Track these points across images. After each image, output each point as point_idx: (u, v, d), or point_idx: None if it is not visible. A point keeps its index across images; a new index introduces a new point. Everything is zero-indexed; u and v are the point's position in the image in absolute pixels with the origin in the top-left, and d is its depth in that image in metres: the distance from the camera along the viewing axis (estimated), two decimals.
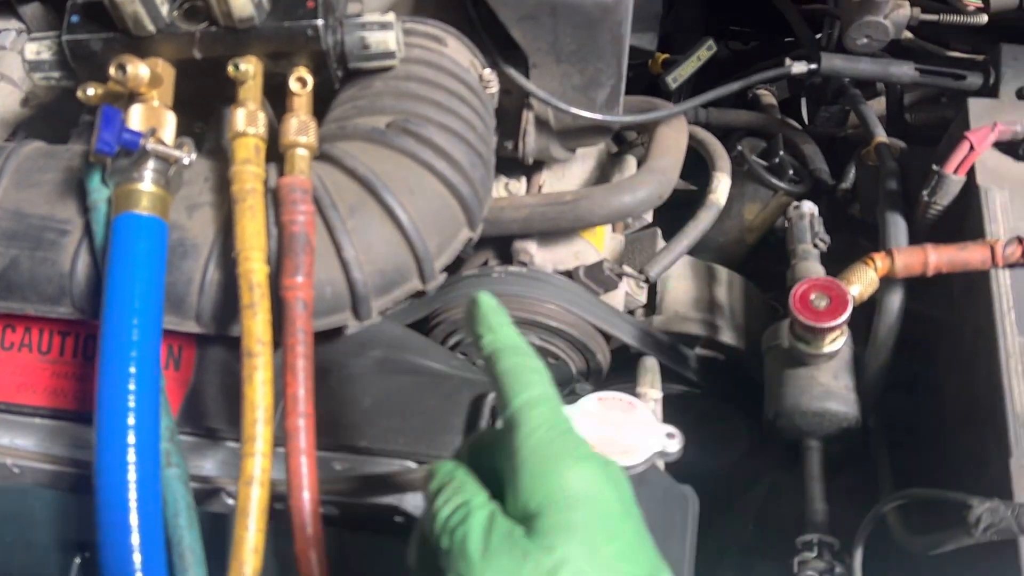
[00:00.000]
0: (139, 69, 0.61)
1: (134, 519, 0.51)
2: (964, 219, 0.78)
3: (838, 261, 0.80)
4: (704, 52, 1.01)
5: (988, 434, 0.68)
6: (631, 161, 0.97)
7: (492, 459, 0.45)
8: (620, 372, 0.87)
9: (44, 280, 0.63)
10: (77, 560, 0.59)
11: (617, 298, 0.88)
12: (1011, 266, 0.71)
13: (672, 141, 0.86)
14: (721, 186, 0.88)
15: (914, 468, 0.79)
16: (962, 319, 0.76)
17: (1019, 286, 0.71)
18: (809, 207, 0.85)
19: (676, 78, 1.00)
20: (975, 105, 0.83)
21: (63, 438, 0.65)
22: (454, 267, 0.88)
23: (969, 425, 0.72)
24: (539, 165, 0.90)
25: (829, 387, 0.75)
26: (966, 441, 0.73)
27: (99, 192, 0.61)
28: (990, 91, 0.89)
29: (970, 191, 0.78)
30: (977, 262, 0.71)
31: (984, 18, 0.98)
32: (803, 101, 1.23)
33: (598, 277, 0.83)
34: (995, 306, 0.70)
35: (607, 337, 0.85)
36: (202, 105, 0.70)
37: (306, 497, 0.54)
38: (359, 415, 0.66)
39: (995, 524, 0.61)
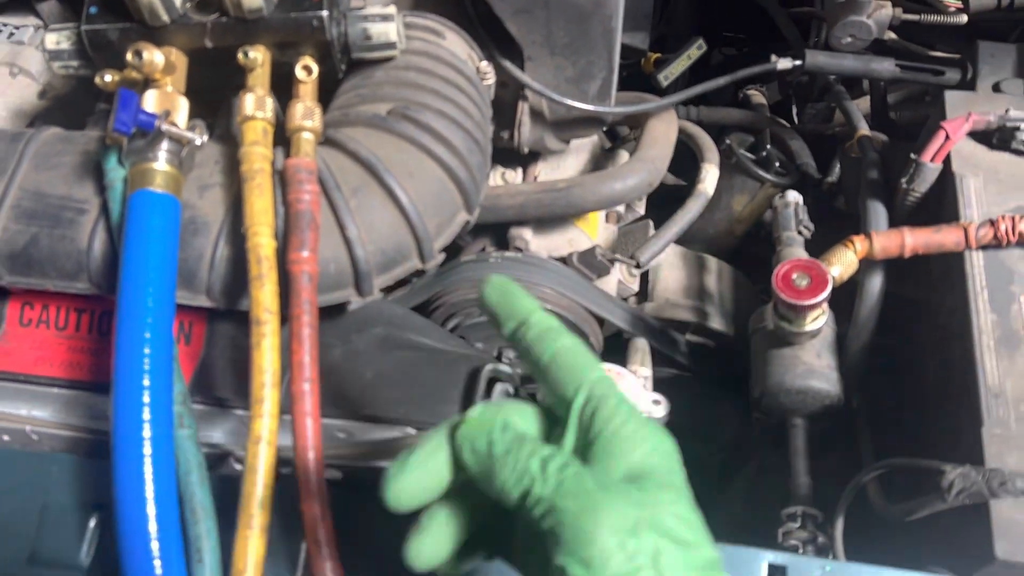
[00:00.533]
0: (154, 56, 0.64)
1: (149, 474, 0.55)
2: (941, 205, 0.81)
3: (823, 251, 0.84)
4: (694, 51, 1.04)
5: (962, 407, 0.71)
6: (624, 155, 1.00)
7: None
8: (613, 358, 0.90)
9: (63, 256, 0.66)
10: (93, 520, 0.61)
11: (610, 284, 0.91)
12: (984, 247, 0.74)
13: (662, 133, 0.90)
14: (709, 176, 0.92)
15: (896, 445, 0.81)
16: (939, 300, 0.79)
17: (992, 267, 0.74)
18: (794, 196, 0.89)
19: (667, 76, 1.03)
20: (951, 97, 0.86)
21: (78, 407, 0.69)
22: (453, 253, 0.91)
23: (945, 400, 0.75)
24: (535, 156, 0.94)
25: (812, 365, 0.79)
26: (943, 415, 0.76)
27: (115, 172, 0.65)
28: (968, 86, 0.93)
29: (946, 178, 0.81)
30: (951, 244, 0.74)
31: (964, 18, 1.02)
32: (792, 104, 1.27)
33: (591, 262, 0.86)
34: (969, 285, 0.74)
35: (600, 322, 0.89)
36: (211, 93, 0.74)
37: (311, 457, 0.57)
38: (362, 386, 0.69)
39: (967, 488, 0.64)
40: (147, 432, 0.55)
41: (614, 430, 0.44)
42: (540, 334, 0.48)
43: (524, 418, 0.48)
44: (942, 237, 0.75)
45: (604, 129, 1.07)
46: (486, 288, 0.50)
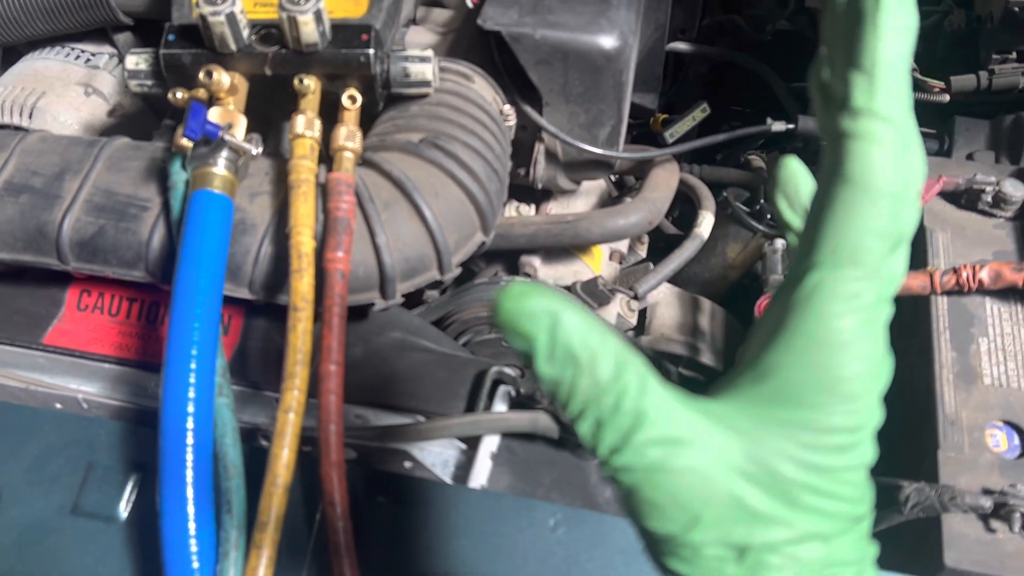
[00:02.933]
0: (222, 76, 0.74)
1: (191, 431, 0.62)
2: (913, 256, 0.89)
3: None
4: (699, 113, 1.14)
5: (924, 433, 0.77)
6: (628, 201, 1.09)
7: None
8: None
9: (125, 247, 0.75)
10: (132, 479, 0.68)
11: (610, 316, 0.99)
12: (947, 293, 0.82)
13: (663, 180, 0.99)
14: (705, 221, 1.00)
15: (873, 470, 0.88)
16: (908, 340, 0.87)
17: (954, 310, 0.82)
18: (782, 243, 0.97)
19: (673, 134, 1.13)
20: (928, 162, 0.95)
21: (125, 383, 0.76)
22: (467, 278, 1.00)
23: (912, 429, 0.82)
24: (548, 194, 1.03)
25: None
26: (910, 442, 0.82)
27: (179, 175, 0.74)
28: (945, 155, 1.02)
29: (919, 232, 0.89)
30: (918, 287, 0.82)
31: (946, 97, 1.12)
32: None
33: (593, 292, 0.94)
34: (933, 326, 0.81)
35: None
36: (264, 116, 0.83)
37: (332, 429, 0.64)
38: (379, 380, 0.76)
39: (921, 502, 0.70)
40: (192, 393, 0.63)
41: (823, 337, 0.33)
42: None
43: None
44: (910, 282, 0.83)
45: (613, 179, 1.17)
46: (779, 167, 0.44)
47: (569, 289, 0.96)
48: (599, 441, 0.33)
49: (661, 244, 1.15)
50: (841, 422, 0.34)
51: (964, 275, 0.80)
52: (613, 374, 0.33)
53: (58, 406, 0.76)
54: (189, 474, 0.61)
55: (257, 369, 0.77)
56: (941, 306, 0.82)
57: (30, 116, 0.92)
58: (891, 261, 0.34)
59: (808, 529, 0.34)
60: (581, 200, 1.06)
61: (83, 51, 0.99)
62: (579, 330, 0.33)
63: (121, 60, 0.99)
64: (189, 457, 0.60)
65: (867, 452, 0.36)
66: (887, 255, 0.34)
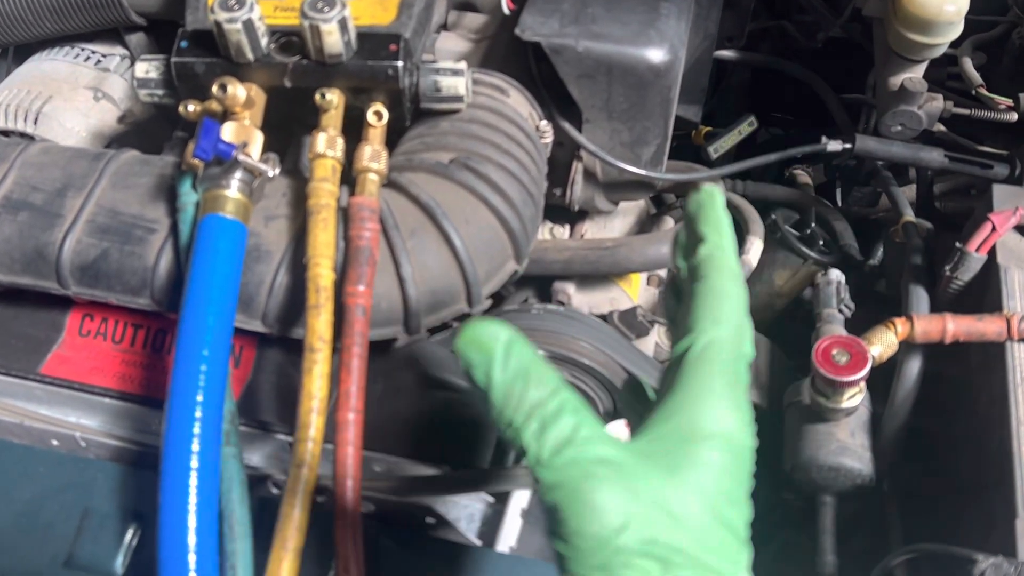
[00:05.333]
0: (237, 90, 0.68)
1: (194, 487, 0.56)
2: (984, 295, 0.82)
3: (862, 332, 0.84)
4: (746, 127, 1.07)
5: (997, 498, 0.70)
6: (669, 221, 1.03)
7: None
8: None
9: (129, 272, 0.69)
10: (131, 529, 0.63)
11: (648, 346, 0.92)
12: None
13: None
14: (754, 248, 0.93)
15: (924, 531, 0.81)
16: (978, 388, 0.80)
17: None
18: (836, 275, 0.90)
19: (717, 149, 1.06)
20: (999, 191, 0.88)
21: (127, 419, 0.71)
22: (496, 303, 0.93)
23: (979, 490, 0.75)
24: (583, 215, 0.96)
25: (845, 443, 0.79)
26: (976, 506, 0.75)
27: (188, 196, 0.68)
28: (1015, 181, 0.94)
29: (990, 269, 0.82)
30: (993, 333, 0.75)
31: (1014, 116, 1.04)
32: (838, 187, 1.29)
33: (631, 322, 0.88)
34: (1009, 377, 0.74)
35: None
36: (284, 130, 0.77)
37: (349, 485, 0.58)
38: (401, 423, 0.70)
39: None
40: (196, 446, 0.57)
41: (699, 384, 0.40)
42: (705, 263, 0.44)
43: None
44: (984, 326, 0.75)
45: (651, 195, 1.10)
46: (697, 196, 0.47)
47: (605, 319, 0.89)
48: (543, 443, 0.37)
49: None
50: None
51: None
52: (556, 388, 0.39)
53: (55, 443, 0.70)
54: (191, 538, 0.55)
55: (270, 408, 0.71)
56: (1019, 354, 0.75)
57: (35, 122, 0.86)
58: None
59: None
60: (619, 220, 0.99)
61: (93, 52, 0.93)
62: (530, 353, 0.39)
63: (133, 62, 0.94)
64: (191, 521, 0.55)
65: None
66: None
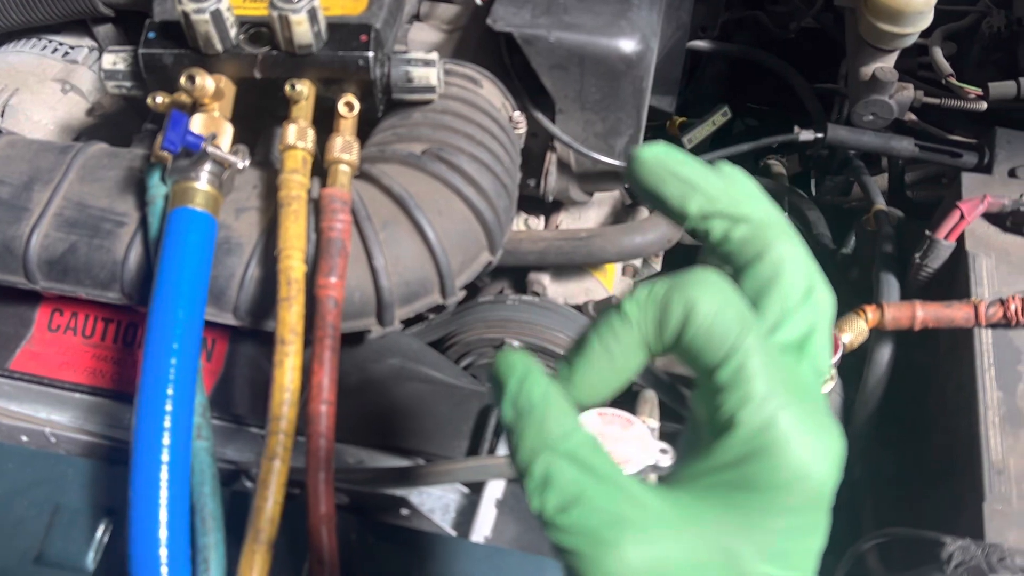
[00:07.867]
0: (206, 81, 0.67)
1: (164, 481, 0.56)
2: (952, 282, 0.83)
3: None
4: (719, 117, 1.08)
5: (965, 481, 0.71)
6: (643, 212, 1.03)
7: None
8: (621, 408, 0.91)
9: (98, 266, 0.68)
10: (102, 525, 0.62)
11: None
12: (992, 326, 0.76)
13: None
14: None
15: (896, 516, 0.82)
16: (946, 374, 0.81)
17: (1000, 345, 0.75)
18: None
19: (691, 139, 1.06)
20: (968, 179, 0.89)
21: (98, 414, 0.70)
22: (471, 295, 0.93)
23: (948, 473, 0.76)
24: (558, 206, 0.96)
25: None
26: (945, 490, 0.76)
27: (157, 188, 0.67)
28: (984, 170, 0.95)
29: (959, 256, 0.83)
30: (961, 319, 0.76)
31: (983, 105, 1.05)
32: (812, 177, 1.30)
33: None
34: (976, 362, 0.75)
35: None
36: (254, 121, 0.77)
37: (322, 477, 0.58)
38: (375, 415, 0.70)
39: (966, 561, 0.64)
40: (166, 440, 0.56)
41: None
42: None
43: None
44: (952, 312, 0.76)
45: (626, 186, 1.10)
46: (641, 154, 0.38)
47: (580, 309, 0.89)
48: (546, 500, 0.32)
49: (678, 256, 1.08)
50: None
51: (1013, 307, 0.74)
52: (568, 430, 0.33)
53: (24, 439, 0.69)
54: (163, 532, 0.54)
55: (242, 401, 0.71)
56: (986, 340, 0.76)
57: (1, 115, 0.85)
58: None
59: None
60: (593, 211, 0.99)
61: (61, 44, 0.92)
62: (545, 384, 0.34)
63: (101, 54, 0.92)
64: (163, 515, 0.54)
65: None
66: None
